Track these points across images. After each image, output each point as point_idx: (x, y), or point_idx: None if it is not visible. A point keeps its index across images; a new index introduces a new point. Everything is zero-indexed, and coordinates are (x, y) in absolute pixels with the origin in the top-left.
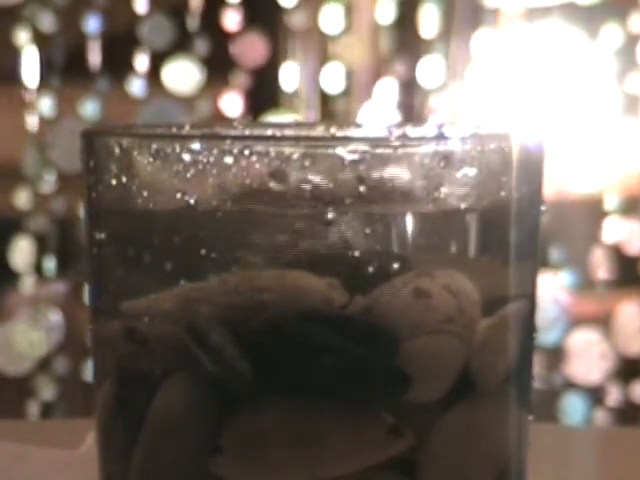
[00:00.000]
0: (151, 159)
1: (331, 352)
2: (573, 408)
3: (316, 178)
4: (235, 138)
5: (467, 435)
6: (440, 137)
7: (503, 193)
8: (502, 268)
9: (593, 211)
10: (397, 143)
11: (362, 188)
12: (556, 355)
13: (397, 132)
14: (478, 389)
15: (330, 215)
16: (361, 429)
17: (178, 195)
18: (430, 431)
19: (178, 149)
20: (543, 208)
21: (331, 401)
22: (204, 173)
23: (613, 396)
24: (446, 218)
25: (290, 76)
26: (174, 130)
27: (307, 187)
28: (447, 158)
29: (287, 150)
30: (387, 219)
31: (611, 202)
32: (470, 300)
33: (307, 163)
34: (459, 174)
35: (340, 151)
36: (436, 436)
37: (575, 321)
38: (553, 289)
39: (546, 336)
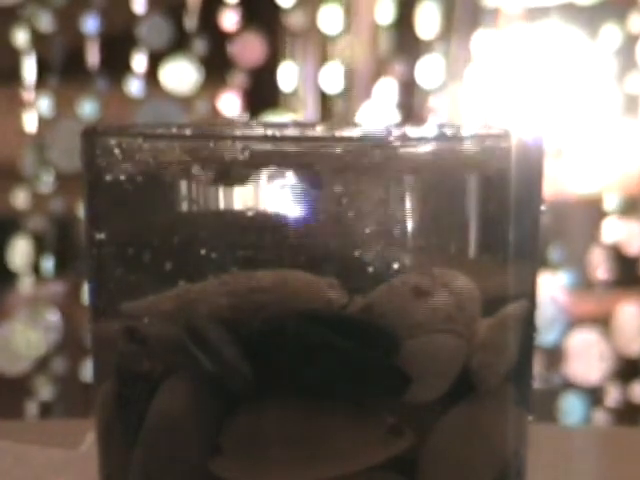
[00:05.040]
0: (151, 159)
1: (331, 352)
2: (572, 408)
3: (316, 178)
4: (235, 138)
5: (467, 435)
6: (440, 137)
7: (503, 193)
8: (502, 268)
9: (592, 211)
10: (397, 143)
11: (362, 188)
12: (555, 355)
13: (397, 132)
14: (478, 389)
15: (330, 215)
16: (361, 429)
17: (178, 195)
18: (430, 431)
19: (178, 149)
20: (543, 208)
21: (331, 401)
22: (204, 173)
23: (612, 396)
24: (446, 218)
25: (288, 76)
26: (174, 130)
27: (307, 187)
28: (447, 158)
29: (287, 150)
30: (387, 219)
31: (610, 202)
32: (470, 299)
33: (307, 163)
34: (459, 174)
35: (340, 151)
36: (436, 436)
37: (574, 321)
38: (552, 289)
39: (545, 336)
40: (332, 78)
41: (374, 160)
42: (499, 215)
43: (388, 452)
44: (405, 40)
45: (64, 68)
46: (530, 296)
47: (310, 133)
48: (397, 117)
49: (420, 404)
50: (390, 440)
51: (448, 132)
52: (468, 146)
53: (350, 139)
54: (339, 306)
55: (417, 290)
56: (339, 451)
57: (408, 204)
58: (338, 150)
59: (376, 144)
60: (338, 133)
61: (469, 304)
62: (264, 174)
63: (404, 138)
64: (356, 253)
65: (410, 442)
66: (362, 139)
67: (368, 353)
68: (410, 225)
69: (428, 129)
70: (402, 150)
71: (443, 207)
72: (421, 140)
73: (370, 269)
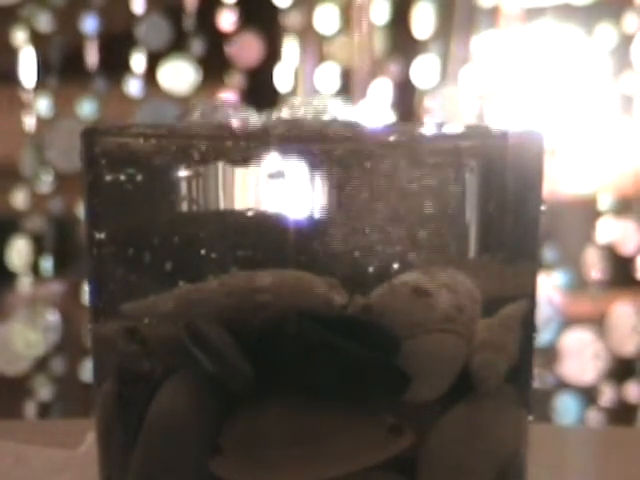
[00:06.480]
0: (151, 159)
1: (331, 352)
2: (567, 408)
3: (317, 178)
4: (235, 138)
5: (467, 435)
6: (441, 136)
7: (503, 193)
8: (502, 268)
9: (587, 211)
10: (397, 143)
11: (361, 188)
12: (550, 355)
13: (397, 131)
14: (478, 389)
15: (330, 214)
16: (361, 429)
17: (178, 195)
18: (430, 431)
19: (178, 149)
20: (543, 208)
21: (331, 401)
22: (204, 173)
23: (607, 396)
24: (446, 218)
25: (286, 76)
26: (174, 130)
27: (307, 188)
28: (447, 157)
29: (289, 149)
30: (386, 219)
31: (605, 202)
32: (470, 299)
33: (307, 163)
34: (459, 174)
35: (340, 150)
36: (436, 436)
37: (569, 321)
38: (547, 289)
39: (540, 336)
40: (328, 78)
41: (374, 160)
42: (499, 215)
43: (388, 452)
44: (400, 40)
45: (63, 68)
46: (530, 296)
47: (310, 132)
48: (392, 117)
49: (420, 404)
50: (390, 440)
51: (447, 131)
52: (467, 145)
53: (350, 138)
54: (339, 306)
55: (417, 290)
56: (339, 451)
57: (408, 204)
58: (338, 149)
59: (376, 143)
60: (337, 132)
61: (469, 304)
62: (264, 173)
63: (404, 137)
64: (356, 253)
65: (410, 442)
66: (362, 139)
67: (368, 353)
68: (410, 225)
69: (428, 128)
70: (402, 149)
71: (443, 207)
72: (421, 139)
73: (370, 269)
